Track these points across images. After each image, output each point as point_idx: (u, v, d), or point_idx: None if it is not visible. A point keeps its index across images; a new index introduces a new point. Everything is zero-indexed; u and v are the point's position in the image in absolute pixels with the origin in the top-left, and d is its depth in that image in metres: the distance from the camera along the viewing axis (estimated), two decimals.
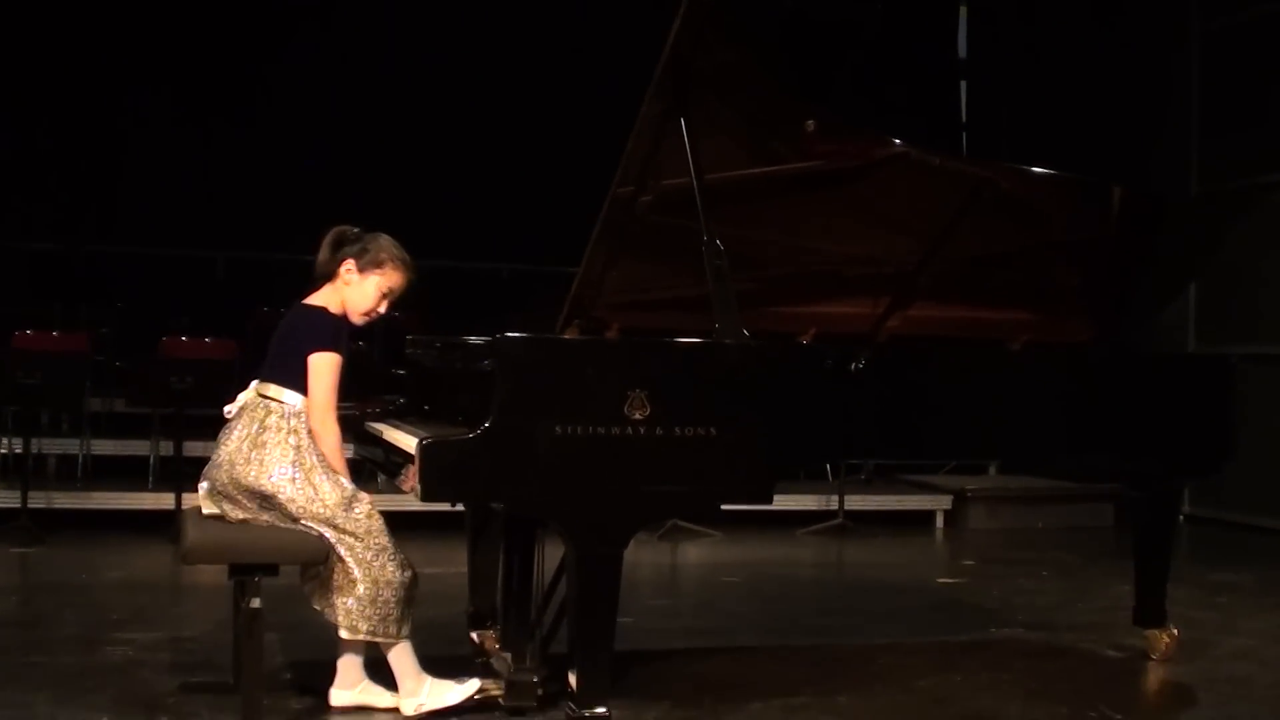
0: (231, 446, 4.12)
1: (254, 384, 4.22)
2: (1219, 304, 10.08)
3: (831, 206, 4.80)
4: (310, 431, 4.13)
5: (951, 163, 4.83)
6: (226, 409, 4.23)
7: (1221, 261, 9.96)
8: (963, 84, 12.92)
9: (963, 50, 12.91)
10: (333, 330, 4.18)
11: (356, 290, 4.25)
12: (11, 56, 10.54)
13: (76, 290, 10.49)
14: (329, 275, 4.28)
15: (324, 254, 4.28)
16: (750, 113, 4.52)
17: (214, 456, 4.17)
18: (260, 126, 10.96)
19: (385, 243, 4.29)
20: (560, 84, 10.98)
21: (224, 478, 4.11)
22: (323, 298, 4.26)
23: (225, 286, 11.06)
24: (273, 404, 4.14)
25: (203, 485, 4.19)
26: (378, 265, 4.25)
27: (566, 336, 4.72)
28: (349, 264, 4.24)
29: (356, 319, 4.28)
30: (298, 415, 4.13)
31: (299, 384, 4.13)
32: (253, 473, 4.07)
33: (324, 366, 4.12)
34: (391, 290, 4.28)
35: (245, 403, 4.19)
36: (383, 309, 4.30)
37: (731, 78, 4.34)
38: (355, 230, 4.31)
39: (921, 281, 4.96)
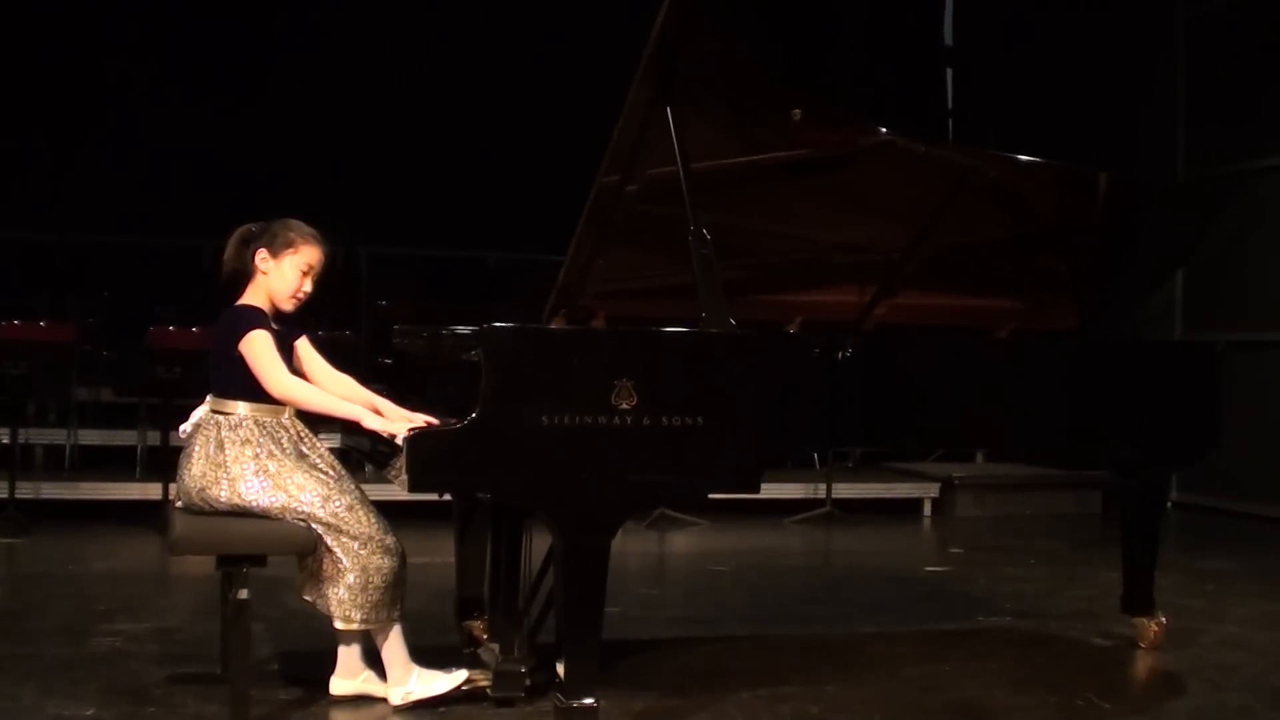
0: (196, 470, 4.09)
1: (208, 398, 4.21)
2: (1206, 290, 10.08)
3: (818, 195, 4.80)
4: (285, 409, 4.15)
5: (938, 150, 4.83)
6: (181, 429, 4.21)
7: (1208, 248, 9.97)
8: (949, 71, 12.91)
9: (949, 37, 12.91)
10: (252, 317, 4.15)
11: (276, 275, 4.23)
12: None
13: (64, 280, 10.45)
14: (246, 274, 4.27)
15: (231, 252, 4.28)
16: (737, 101, 4.50)
17: (179, 480, 4.15)
18: (247, 115, 10.91)
19: (292, 223, 4.27)
20: (547, 72, 10.95)
21: (196, 500, 4.10)
22: (247, 297, 4.26)
23: (211, 276, 10.99)
24: (222, 418, 4.13)
25: (178, 504, 4.20)
26: (290, 246, 4.23)
27: (553, 326, 4.71)
28: (262, 253, 4.22)
29: (286, 305, 4.26)
30: (246, 423, 4.11)
31: (241, 389, 4.12)
32: (224, 493, 4.05)
33: (255, 345, 4.09)
34: (311, 267, 4.26)
35: (199, 420, 4.18)
36: (308, 287, 4.28)
37: (718, 65, 4.32)
38: (259, 224, 4.29)
39: (908, 269, 4.97)
